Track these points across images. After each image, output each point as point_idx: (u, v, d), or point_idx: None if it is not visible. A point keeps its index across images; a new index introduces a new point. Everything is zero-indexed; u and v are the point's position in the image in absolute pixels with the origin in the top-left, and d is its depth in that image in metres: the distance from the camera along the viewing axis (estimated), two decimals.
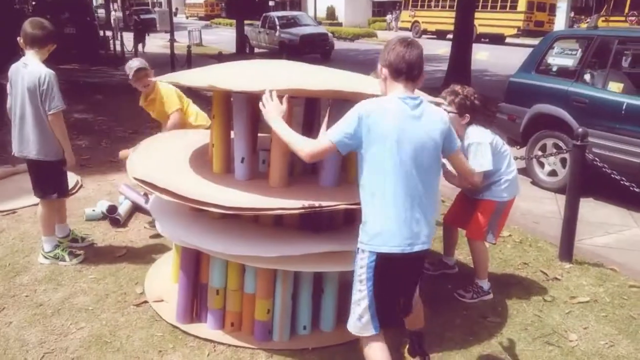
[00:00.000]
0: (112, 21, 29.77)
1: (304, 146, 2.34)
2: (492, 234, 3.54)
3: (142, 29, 23.01)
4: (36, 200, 4.01)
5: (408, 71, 2.27)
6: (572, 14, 28.00)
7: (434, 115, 2.36)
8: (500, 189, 3.46)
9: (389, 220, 2.26)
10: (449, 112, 3.33)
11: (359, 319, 2.38)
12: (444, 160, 3.28)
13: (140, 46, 20.96)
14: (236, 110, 3.05)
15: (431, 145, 2.31)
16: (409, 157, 2.25)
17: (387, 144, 2.21)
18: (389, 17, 39.87)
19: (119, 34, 20.28)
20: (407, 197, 2.26)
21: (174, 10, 27.35)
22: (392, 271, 2.33)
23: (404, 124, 2.24)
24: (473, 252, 3.64)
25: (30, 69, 3.61)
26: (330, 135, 2.28)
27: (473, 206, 3.55)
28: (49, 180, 3.86)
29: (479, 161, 3.27)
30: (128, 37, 19.95)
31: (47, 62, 3.75)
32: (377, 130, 2.21)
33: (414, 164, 2.26)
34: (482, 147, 3.31)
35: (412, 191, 2.27)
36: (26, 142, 3.73)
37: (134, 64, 4.38)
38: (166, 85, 4.47)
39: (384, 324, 2.39)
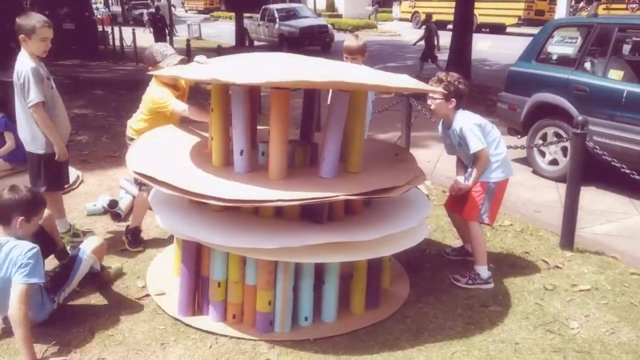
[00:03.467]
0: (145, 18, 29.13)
1: None
2: (486, 214, 3.61)
3: (162, 26, 20.19)
4: None
5: None
6: (573, 2, 27.85)
7: None
8: (490, 170, 3.56)
9: None
10: (435, 98, 3.56)
11: None
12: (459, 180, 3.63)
13: None
14: (235, 103, 3.05)
15: None
16: None
17: None
18: (368, 8, 38.04)
19: (119, 28, 20.11)
20: None
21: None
22: None
23: None
24: (470, 235, 3.70)
25: (17, 63, 3.68)
26: None
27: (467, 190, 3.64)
28: (38, 172, 3.90)
29: (476, 141, 3.47)
30: (127, 32, 19.84)
31: (46, 57, 3.76)
32: None
33: None
34: (473, 128, 3.49)
35: None
36: (20, 133, 3.85)
37: (171, 51, 4.01)
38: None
39: None
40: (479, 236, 3.65)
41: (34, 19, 3.65)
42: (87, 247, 3.38)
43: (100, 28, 20.85)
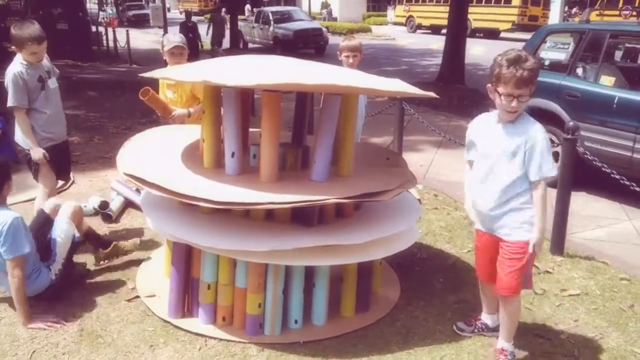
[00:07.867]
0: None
1: None
2: (527, 277, 2.76)
3: (194, 37, 14.65)
4: (29, 196, 4.02)
5: None
6: (566, 8, 28.06)
7: None
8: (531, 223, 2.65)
9: None
10: (524, 101, 2.51)
11: None
12: None
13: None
14: (226, 105, 3.05)
15: None
16: None
17: None
18: (323, 11, 39.46)
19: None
20: None
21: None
22: None
23: None
24: (507, 310, 2.82)
25: (10, 65, 3.70)
26: None
27: (501, 253, 2.75)
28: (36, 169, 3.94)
29: (551, 165, 2.51)
30: (121, 33, 19.74)
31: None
32: None
33: None
34: (550, 146, 2.53)
35: None
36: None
37: (176, 39, 4.28)
38: None
39: None
40: (518, 311, 2.86)
41: (25, 34, 3.61)
42: (63, 216, 3.38)
43: (105, 30, 20.64)
